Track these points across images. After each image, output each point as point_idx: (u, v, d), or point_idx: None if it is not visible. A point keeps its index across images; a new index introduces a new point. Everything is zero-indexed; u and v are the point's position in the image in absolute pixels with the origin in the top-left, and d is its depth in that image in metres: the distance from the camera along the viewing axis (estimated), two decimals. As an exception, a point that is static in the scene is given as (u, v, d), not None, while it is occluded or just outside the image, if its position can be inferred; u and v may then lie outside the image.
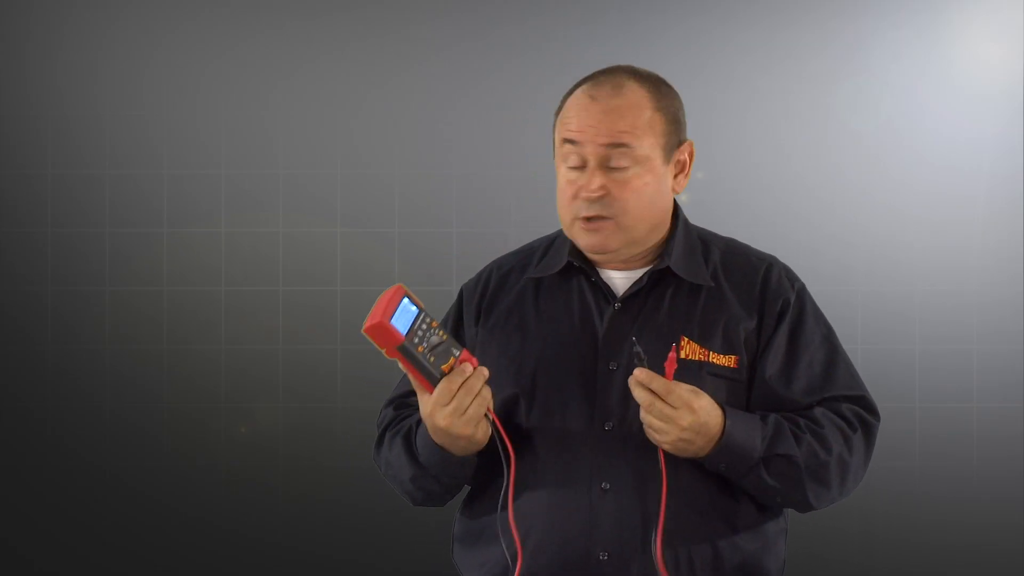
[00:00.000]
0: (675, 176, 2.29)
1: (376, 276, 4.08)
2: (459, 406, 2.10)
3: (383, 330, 2.04)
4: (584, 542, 2.16)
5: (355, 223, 4.13)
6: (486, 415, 2.14)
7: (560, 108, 2.28)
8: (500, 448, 2.15)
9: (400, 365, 2.10)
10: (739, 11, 4.11)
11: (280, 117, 4.14)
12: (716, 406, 2.14)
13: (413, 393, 2.30)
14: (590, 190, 2.20)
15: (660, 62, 3.88)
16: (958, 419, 4.11)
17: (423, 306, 2.09)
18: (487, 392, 2.12)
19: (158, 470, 4.11)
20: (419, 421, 2.23)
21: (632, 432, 2.16)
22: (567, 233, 2.26)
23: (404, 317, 2.06)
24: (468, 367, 2.11)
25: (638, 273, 2.27)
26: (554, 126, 2.29)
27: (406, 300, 2.07)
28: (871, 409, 2.28)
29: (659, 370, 2.11)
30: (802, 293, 2.30)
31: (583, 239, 2.23)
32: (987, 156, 4.12)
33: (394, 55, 4.12)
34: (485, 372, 2.12)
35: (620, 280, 2.27)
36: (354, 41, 4.13)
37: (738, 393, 2.22)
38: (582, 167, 2.22)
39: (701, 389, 2.15)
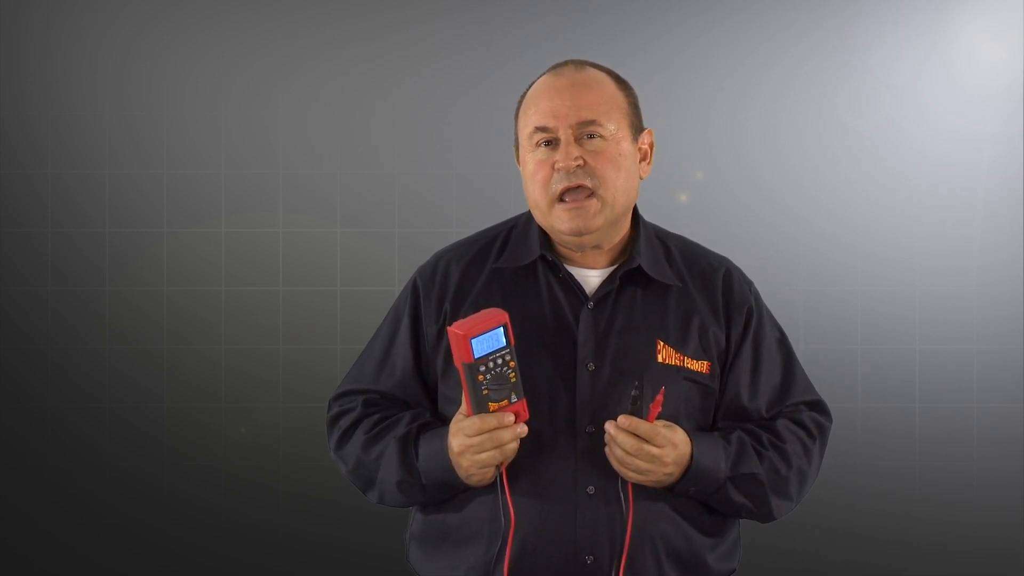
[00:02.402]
0: (639, 162, 2.27)
1: (376, 276, 4.08)
2: (478, 446, 2.10)
3: (461, 343, 2.07)
4: (571, 546, 2.16)
5: (355, 223, 4.13)
6: (497, 467, 2.14)
7: (519, 108, 2.27)
8: (501, 506, 2.15)
9: (460, 378, 2.11)
10: (739, 11, 4.11)
11: (280, 117, 4.14)
12: (686, 435, 2.16)
13: (378, 392, 2.28)
14: (568, 161, 2.17)
15: (661, 62, 3.89)
16: (958, 419, 4.11)
17: (513, 344, 2.09)
18: (511, 448, 2.12)
19: (158, 470, 4.11)
20: (421, 427, 2.22)
21: None
22: (544, 220, 2.23)
23: (487, 343, 2.07)
24: (510, 417, 2.10)
25: (604, 271, 2.26)
26: (516, 127, 2.28)
27: (500, 330, 2.08)
28: (826, 412, 2.34)
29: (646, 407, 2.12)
30: (758, 297, 2.34)
31: (565, 222, 2.20)
32: (987, 156, 4.12)
33: (394, 55, 4.12)
34: (522, 431, 2.11)
35: (588, 277, 2.26)
36: (354, 41, 4.13)
37: (709, 399, 2.24)
38: (553, 147, 2.20)
39: (678, 394, 2.18)
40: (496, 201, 4.10)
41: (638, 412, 2.11)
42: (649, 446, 2.10)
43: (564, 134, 2.19)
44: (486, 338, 2.07)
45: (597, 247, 2.25)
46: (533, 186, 2.22)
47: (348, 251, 4.13)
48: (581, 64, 2.26)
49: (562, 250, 2.27)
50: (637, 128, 2.26)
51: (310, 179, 4.14)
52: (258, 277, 4.13)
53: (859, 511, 4.06)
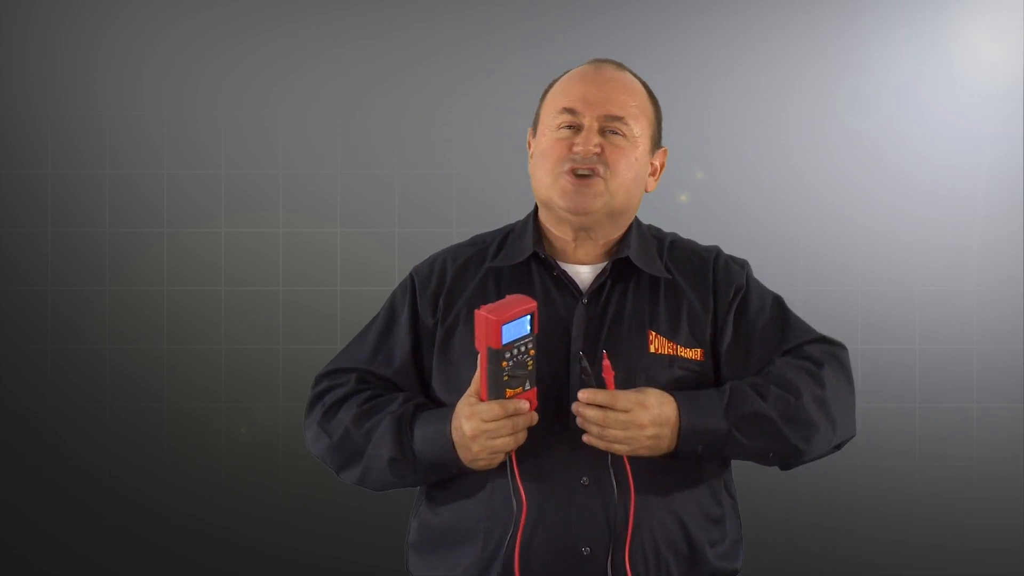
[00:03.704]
0: (648, 175, 2.31)
1: (376, 276, 4.08)
2: (494, 431, 2.11)
3: (491, 328, 2.05)
4: (568, 537, 2.16)
5: (355, 223, 4.13)
6: (506, 453, 2.14)
7: (548, 89, 2.31)
8: (512, 493, 2.15)
9: (478, 360, 2.10)
10: (739, 11, 4.11)
11: (280, 117, 4.14)
12: (666, 394, 2.15)
13: (370, 371, 2.28)
14: (587, 146, 2.21)
15: (660, 62, 3.88)
16: (958, 419, 4.11)
17: (536, 333, 2.10)
18: (522, 436, 2.13)
19: (158, 470, 4.11)
20: (417, 406, 2.22)
21: None
22: (545, 193, 2.25)
23: (514, 330, 2.07)
24: (526, 404, 2.11)
25: (596, 267, 2.29)
26: (541, 105, 2.31)
27: (527, 319, 2.08)
28: (833, 342, 2.31)
29: (599, 382, 2.13)
30: (750, 275, 2.34)
31: (567, 198, 2.22)
32: (987, 156, 4.12)
33: (394, 55, 4.13)
34: (533, 419, 2.12)
35: (581, 273, 2.29)
36: (354, 41, 4.13)
37: (705, 384, 2.24)
38: (576, 132, 2.23)
39: (672, 383, 2.18)
40: (496, 201, 4.11)
41: (593, 384, 2.11)
42: (615, 412, 2.10)
43: (589, 122, 2.23)
44: (516, 325, 2.07)
45: (588, 236, 2.27)
46: (543, 160, 2.25)
47: (348, 251, 4.13)
48: (622, 66, 2.31)
49: (557, 247, 2.30)
50: (656, 143, 2.31)
51: (310, 179, 4.15)
52: (258, 277, 4.13)
53: (859, 511, 4.06)
